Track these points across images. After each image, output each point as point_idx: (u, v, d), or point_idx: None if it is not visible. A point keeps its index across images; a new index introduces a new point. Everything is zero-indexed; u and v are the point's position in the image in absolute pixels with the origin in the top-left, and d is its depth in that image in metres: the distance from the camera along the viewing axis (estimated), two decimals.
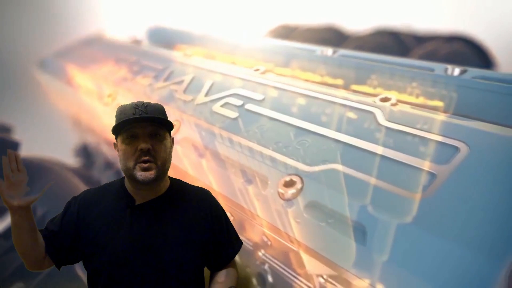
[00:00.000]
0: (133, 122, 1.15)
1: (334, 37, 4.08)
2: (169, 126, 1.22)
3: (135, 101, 1.21)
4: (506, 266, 0.87)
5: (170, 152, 1.23)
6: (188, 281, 1.22)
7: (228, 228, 1.33)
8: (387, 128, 1.38)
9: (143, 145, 1.14)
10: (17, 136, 3.23)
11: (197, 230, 1.23)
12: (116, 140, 1.21)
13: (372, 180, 1.20)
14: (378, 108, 1.48)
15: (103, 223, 1.18)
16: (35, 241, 1.16)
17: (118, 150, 1.20)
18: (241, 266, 1.71)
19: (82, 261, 1.21)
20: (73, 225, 1.18)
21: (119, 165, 1.29)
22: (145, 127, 1.16)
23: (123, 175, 1.26)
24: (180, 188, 1.30)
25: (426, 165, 1.17)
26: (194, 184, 1.36)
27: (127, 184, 1.23)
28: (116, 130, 1.18)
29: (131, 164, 1.15)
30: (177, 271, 1.18)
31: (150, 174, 1.14)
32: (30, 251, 1.16)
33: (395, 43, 3.65)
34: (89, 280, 1.22)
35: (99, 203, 1.22)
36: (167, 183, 1.26)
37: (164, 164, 1.19)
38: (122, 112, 1.18)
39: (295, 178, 1.34)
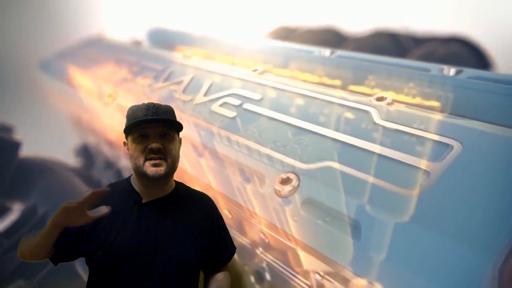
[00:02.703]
0: (145, 123, 1.19)
1: (333, 38, 4.10)
2: (179, 127, 1.27)
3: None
4: (495, 259, 0.89)
5: (179, 151, 1.28)
6: (189, 279, 1.26)
7: (225, 232, 1.39)
8: (382, 126, 1.40)
9: (153, 145, 1.19)
10: (18, 136, 3.24)
11: (199, 231, 1.28)
12: (126, 139, 1.26)
13: (367, 177, 1.22)
14: (374, 107, 1.50)
15: (110, 219, 1.19)
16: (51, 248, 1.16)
17: (128, 149, 1.25)
18: (239, 264, 1.72)
19: (85, 258, 1.22)
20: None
21: (119, 165, 1.32)
22: (156, 128, 1.21)
23: (128, 174, 1.31)
24: (184, 191, 1.35)
25: (419, 162, 1.19)
26: (194, 183, 1.39)
27: (134, 182, 1.27)
28: (127, 130, 1.23)
29: (141, 161, 1.19)
30: (179, 269, 1.22)
31: (160, 170, 1.19)
32: (41, 254, 1.16)
33: (394, 44, 3.66)
34: (92, 276, 1.23)
35: (105, 200, 1.21)
36: (172, 185, 1.31)
37: (173, 162, 1.24)
38: (133, 113, 1.23)
39: (291, 176, 1.36)
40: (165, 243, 1.20)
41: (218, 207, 1.40)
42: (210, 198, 1.40)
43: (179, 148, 1.28)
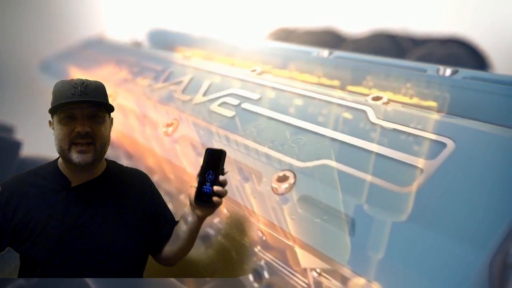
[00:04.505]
0: (71, 103, 1.10)
1: (332, 39, 4.11)
2: (109, 107, 1.18)
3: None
4: (488, 255, 0.90)
5: (109, 134, 1.19)
6: (129, 264, 1.19)
7: (164, 208, 1.32)
8: (378, 125, 1.42)
9: (80, 128, 1.10)
10: (18, 136, 3.25)
11: (136, 214, 1.20)
12: (52, 118, 1.16)
13: (362, 174, 1.23)
14: (370, 107, 1.52)
15: (37, 207, 1.12)
16: None
17: (53, 129, 1.16)
18: (238, 262, 1.73)
19: (13, 247, 1.16)
20: (6, 214, 1.13)
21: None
22: (84, 109, 1.11)
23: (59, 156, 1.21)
24: (117, 170, 1.27)
25: (413, 160, 1.20)
26: (193, 182, 1.36)
27: (61, 165, 1.19)
28: (52, 110, 1.14)
29: (66, 145, 1.11)
30: (117, 256, 1.15)
31: (87, 157, 1.11)
32: None
33: (392, 45, 3.68)
34: (24, 267, 1.16)
35: (31, 187, 1.16)
36: (103, 165, 1.23)
37: (102, 147, 1.15)
38: (60, 91, 1.12)
39: (288, 173, 1.38)
40: (99, 229, 1.13)
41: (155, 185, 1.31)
42: (145, 174, 1.31)
43: (110, 130, 1.20)
